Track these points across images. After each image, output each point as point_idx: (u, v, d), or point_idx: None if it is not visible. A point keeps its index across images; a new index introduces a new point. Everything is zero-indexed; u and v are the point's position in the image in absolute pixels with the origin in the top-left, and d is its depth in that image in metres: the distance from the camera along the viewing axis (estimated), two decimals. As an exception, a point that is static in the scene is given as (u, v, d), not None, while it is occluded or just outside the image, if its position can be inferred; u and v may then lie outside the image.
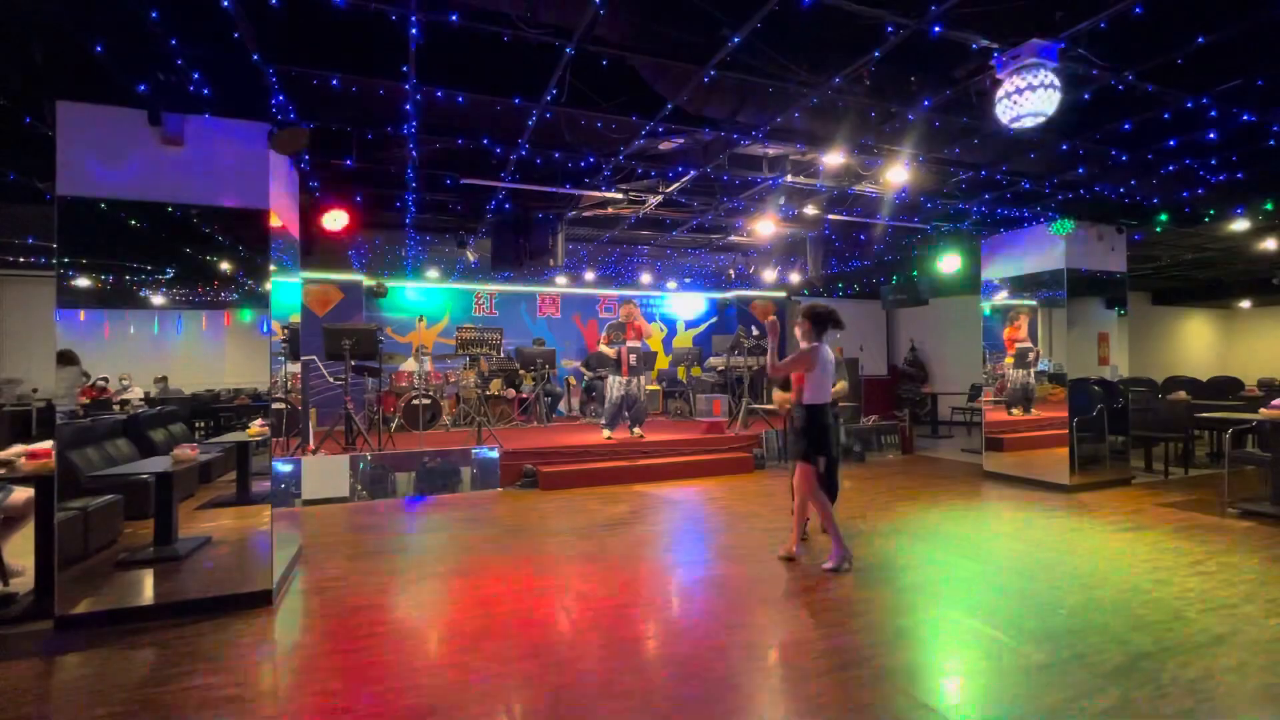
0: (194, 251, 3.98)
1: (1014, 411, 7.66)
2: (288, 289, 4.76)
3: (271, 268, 3.99)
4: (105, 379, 4.06)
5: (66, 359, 3.80)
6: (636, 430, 8.25)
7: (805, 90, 4.34)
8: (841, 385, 4.99)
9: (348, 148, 5.21)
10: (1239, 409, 7.41)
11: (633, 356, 7.91)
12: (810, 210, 7.44)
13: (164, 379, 4.06)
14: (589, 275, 11.87)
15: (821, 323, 4.38)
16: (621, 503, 6.45)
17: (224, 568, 3.94)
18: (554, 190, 6.35)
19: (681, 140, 5.64)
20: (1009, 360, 7.71)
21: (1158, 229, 7.82)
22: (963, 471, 8.18)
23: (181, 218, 3.83)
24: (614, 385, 8.04)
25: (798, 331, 4.48)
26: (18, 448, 3.95)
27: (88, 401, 3.92)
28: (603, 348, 8.06)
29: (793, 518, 4.71)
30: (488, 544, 5.06)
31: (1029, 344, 7.57)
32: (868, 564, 4.46)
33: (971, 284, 8.66)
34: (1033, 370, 7.54)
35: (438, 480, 7.01)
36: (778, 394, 5.22)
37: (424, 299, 12.11)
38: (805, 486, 4.35)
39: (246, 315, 4.10)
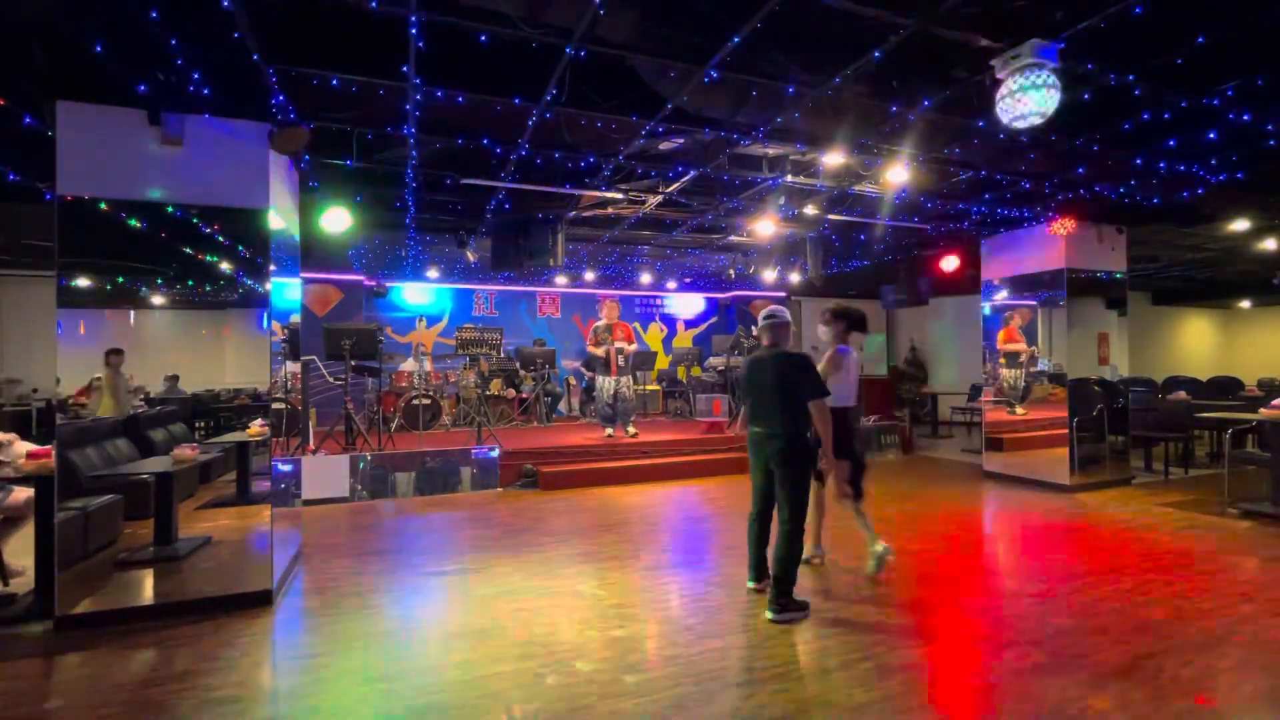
0: (194, 251, 3.98)
1: (1018, 411, 7.67)
2: (288, 289, 4.76)
3: (271, 268, 3.99)
4: (99, 378, 4.06)
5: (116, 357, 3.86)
6: (630, 429, 8.30)
7: (805, 90, 4.34)
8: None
9: (348, 148, 5.20)
10: (1239, 409, 7.41)
11: (620, 357, 8.02)
12: (810, 210, 7.43)
13: (175, 377, 4.06)
14: (589, 275, 11.86)
15: (853, 325, 4.38)
16: (621, 503, 6.45)
17: (224, 568, 3.93)
18: (554, 190, 6.34)
19: (681, 140, 5.64)
20: (1002, 360, 7.75)
21: (1157, 230, 7.82)
22: (963, 471, 8.18)
23: (181, 218, 3.84)
24: (604, 385, 8.20)
25: (824, 331, 4.44)
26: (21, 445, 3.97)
27: (85, 400, 3.93)
28: (591, 349, 8.22)
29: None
30: (488, 544, 5.06)
31: (1021, 347, 7.60)
32: (866, 564, 4.46)
33: (971, 284, 8.66)
34: (1023, 371, 7.58)
35: (438, 480, 7.02)
36: None
37: (424, 299, 12.11)
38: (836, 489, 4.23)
39: (246, 315, 4.10)
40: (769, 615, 3.55)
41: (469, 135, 5.06)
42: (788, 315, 3.93)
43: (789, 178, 6.27)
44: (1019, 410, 7.66)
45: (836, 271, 11.31)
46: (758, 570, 3.92)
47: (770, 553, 3.73)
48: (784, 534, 3.60)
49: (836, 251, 9.92)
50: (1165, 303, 14.82)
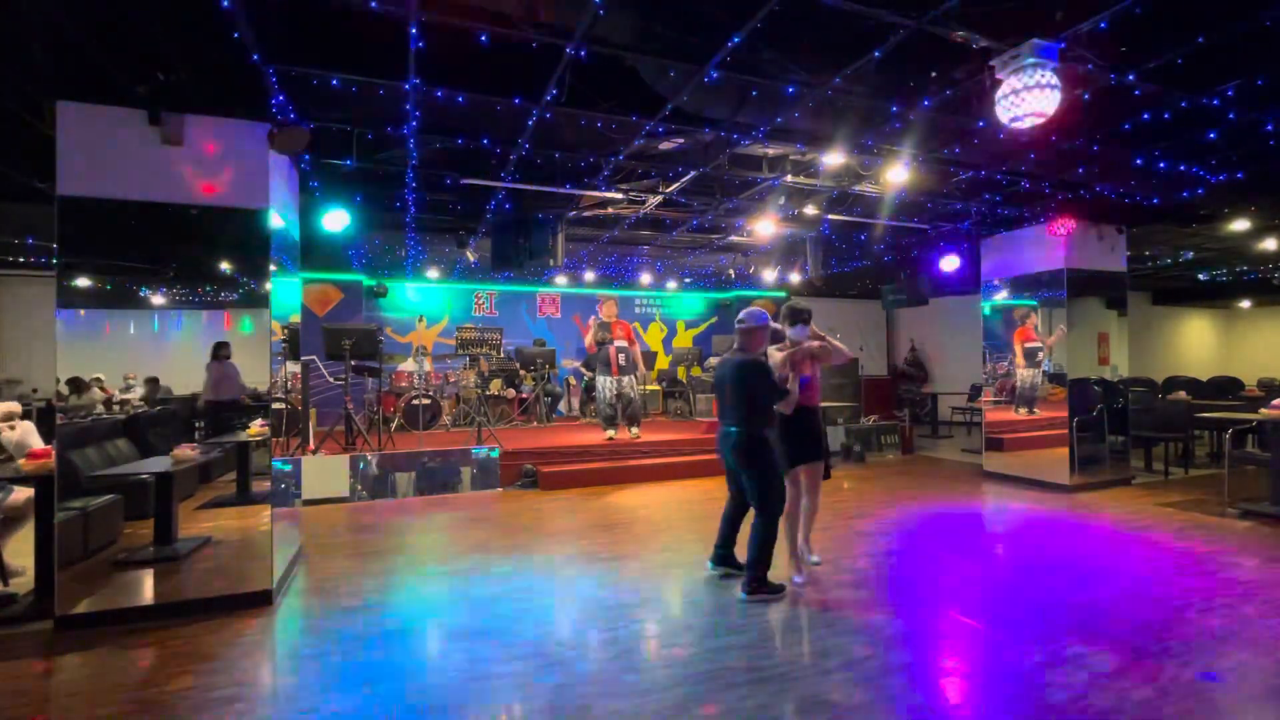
0: (194, 251, 3.98)
1: (1020, 411, 7.65)
2: (288, 289, 4.76)
3: (271, 268, 3.99)
4: (100, 378, 4.06)
5: (78, 386, 3.86)
6: (634, 430, 8.26)
7: (805, 90, 4.34)
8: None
9: (348, 148, 5.20)
10: (1239, 409, 7.41)
11: (621, 356, 7.94)
12: (810, 210, 7.43)
13: (154, 379, 4.04)
14: (589, 275, 11.86)
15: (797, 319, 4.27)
16: (621, 503, 6.45)
17: (224, 568, 3.93)
18: (554, 190, 6.34)
19: (681, 140, 5.64)
20: (1020, 361, 7.69)
21: (1157, 230, 7.81)
22: (963, 471, 8.18)
23: (181, 218, 3.83)
24: (604, 385, 8.08)
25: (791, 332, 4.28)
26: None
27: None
28: (590, 349, 8.12)
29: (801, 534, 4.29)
30: (488, 544, 5.05)
31: (1038, 344, 7.58)
32: (867, 564, 4.46)
33: (971, 284, 8.66)
34: (1040, 370, 7.56)
35: (438, 480, 7.01)
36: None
37: (424, 299, 12.10)
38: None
39: (246, 315, 4.10)
40: (739, 595, 3.82)
41: (469, 135, 5.06)
42: (756, 319, 3.94)
43: (789, 178, 6.27)
44: (1022, 411, 7.64)
45: (836, 271, 11.31)
46: (721, 551, 4.20)
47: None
48: (756, 523, 3.86)
49: (836, 251, 9.92)
50: (1165, 303, 14.81)
